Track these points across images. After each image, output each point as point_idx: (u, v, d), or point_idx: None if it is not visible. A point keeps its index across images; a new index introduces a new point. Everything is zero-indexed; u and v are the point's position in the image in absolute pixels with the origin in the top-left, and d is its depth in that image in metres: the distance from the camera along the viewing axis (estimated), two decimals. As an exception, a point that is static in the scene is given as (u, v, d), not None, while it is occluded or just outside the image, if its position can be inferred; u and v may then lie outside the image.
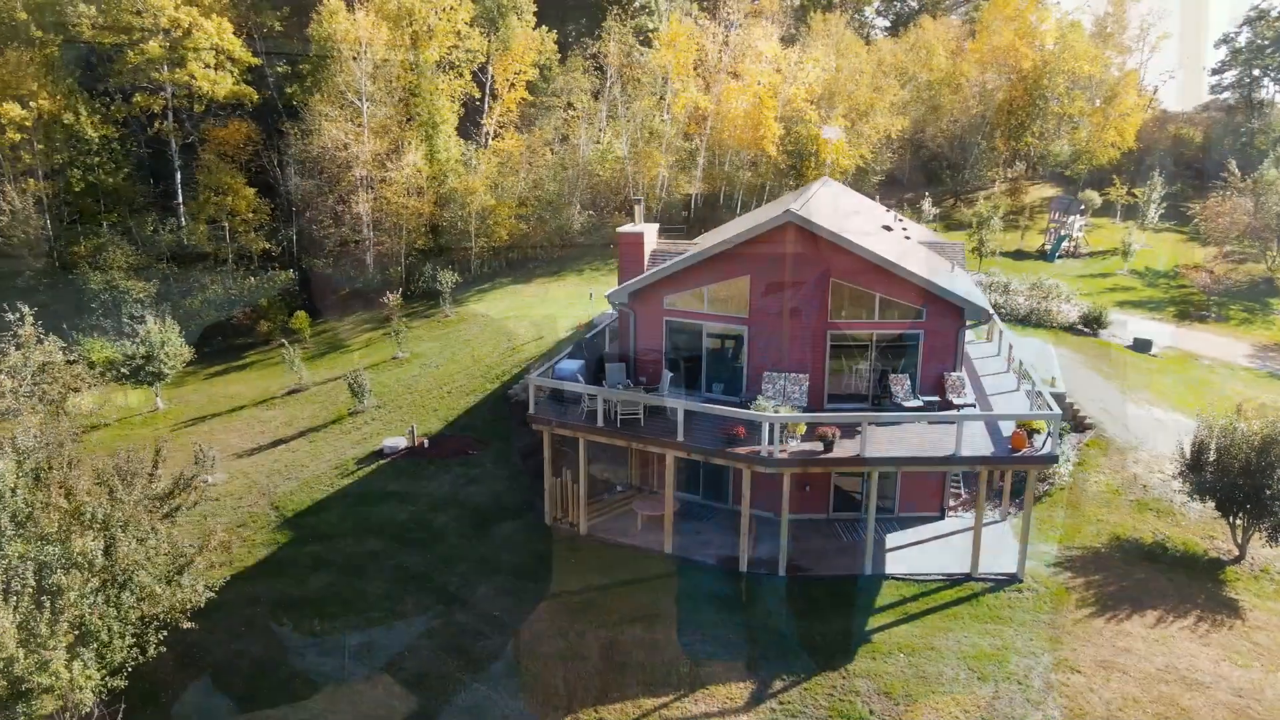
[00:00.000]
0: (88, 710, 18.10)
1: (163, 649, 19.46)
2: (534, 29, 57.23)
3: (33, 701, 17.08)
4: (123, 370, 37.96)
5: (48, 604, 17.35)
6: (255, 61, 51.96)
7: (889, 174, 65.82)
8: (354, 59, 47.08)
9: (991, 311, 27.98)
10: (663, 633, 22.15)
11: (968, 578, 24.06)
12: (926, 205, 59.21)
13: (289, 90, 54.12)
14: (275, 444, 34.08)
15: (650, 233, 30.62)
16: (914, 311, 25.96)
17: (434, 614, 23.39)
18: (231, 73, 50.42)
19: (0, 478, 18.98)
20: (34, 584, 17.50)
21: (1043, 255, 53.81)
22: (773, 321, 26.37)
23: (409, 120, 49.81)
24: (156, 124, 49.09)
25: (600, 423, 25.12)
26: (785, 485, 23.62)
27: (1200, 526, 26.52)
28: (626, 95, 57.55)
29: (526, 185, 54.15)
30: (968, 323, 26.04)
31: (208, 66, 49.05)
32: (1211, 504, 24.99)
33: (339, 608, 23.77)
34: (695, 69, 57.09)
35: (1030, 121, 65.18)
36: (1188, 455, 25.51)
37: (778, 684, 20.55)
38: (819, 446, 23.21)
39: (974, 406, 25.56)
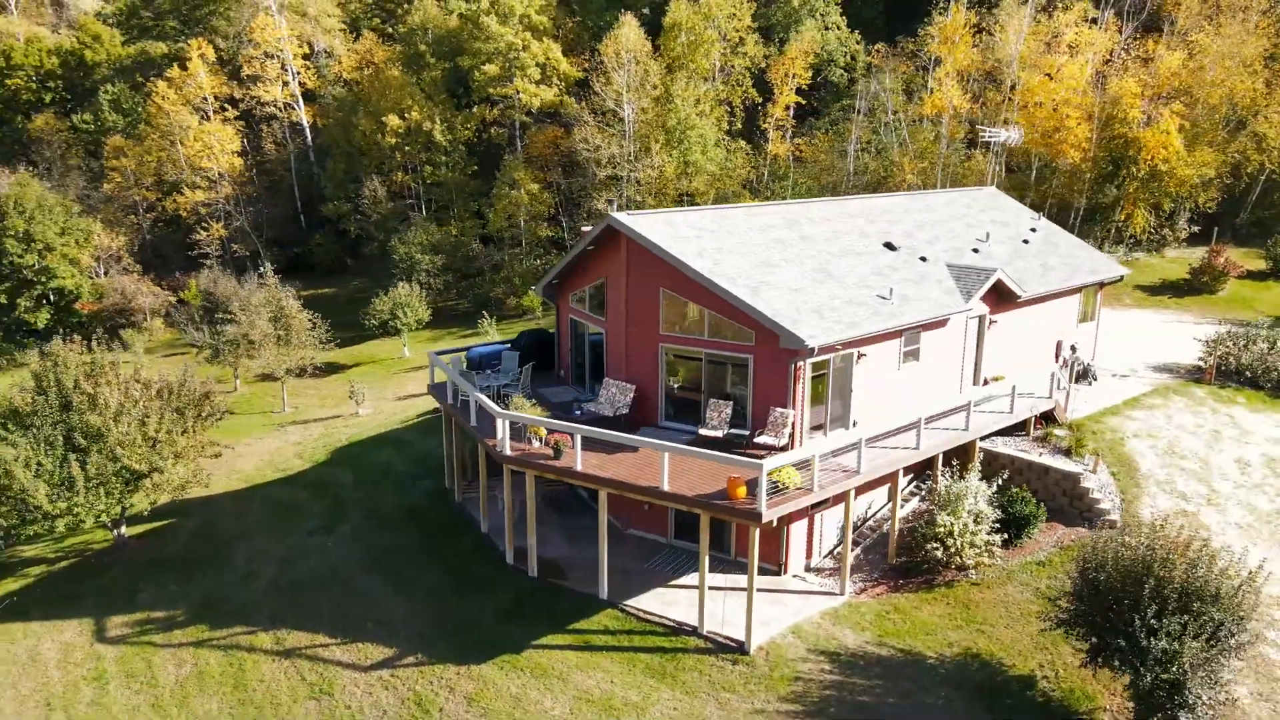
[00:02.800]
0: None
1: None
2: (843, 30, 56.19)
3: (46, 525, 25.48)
4: (374, 323, 49.04)
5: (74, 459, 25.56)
6: (579, 75, 59.94)
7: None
8: (615, 69, 52.16)
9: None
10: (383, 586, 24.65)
11: (694, 632, 21.61)
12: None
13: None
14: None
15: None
16: (746, 335, 23.38)
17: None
18: (557, 86, 59.10)
19: (65, 373, 28.27)
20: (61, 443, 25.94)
21: None
22: (615, 328, 25.83)
23: (662, 125, 53.36)
24: (491, 130, 60.00)
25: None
26: (529, 486, 23.70)
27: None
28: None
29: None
30: (808, 354, 22.51)
31: (534, 81, 58.26)
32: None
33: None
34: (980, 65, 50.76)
35: None
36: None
37: (409, 659, 21.70)
38: (550, 452, 22.92)
39: (786, 449, 22.30)
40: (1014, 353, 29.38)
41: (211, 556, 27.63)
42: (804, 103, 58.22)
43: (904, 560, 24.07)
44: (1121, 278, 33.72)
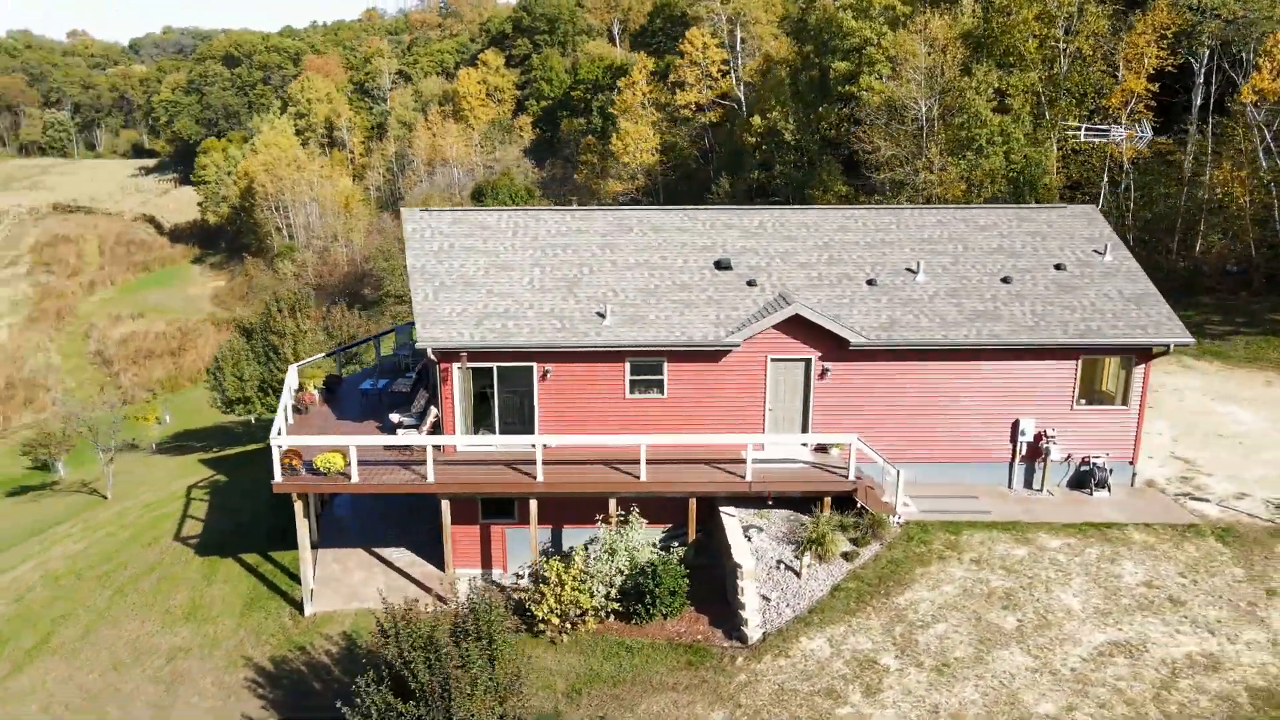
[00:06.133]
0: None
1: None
2: None
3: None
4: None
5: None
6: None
7: None
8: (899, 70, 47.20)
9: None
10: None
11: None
12: None
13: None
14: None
15: None
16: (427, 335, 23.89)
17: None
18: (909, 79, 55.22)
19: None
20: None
21: None
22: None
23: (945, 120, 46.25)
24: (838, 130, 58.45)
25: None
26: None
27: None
28: None
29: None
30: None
31: (884, 77, 55.36)
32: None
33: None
34: None
35: None
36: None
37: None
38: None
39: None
40: (905, 418, 23.07)
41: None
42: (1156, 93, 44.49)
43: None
44: (1169, 348, 22.58)
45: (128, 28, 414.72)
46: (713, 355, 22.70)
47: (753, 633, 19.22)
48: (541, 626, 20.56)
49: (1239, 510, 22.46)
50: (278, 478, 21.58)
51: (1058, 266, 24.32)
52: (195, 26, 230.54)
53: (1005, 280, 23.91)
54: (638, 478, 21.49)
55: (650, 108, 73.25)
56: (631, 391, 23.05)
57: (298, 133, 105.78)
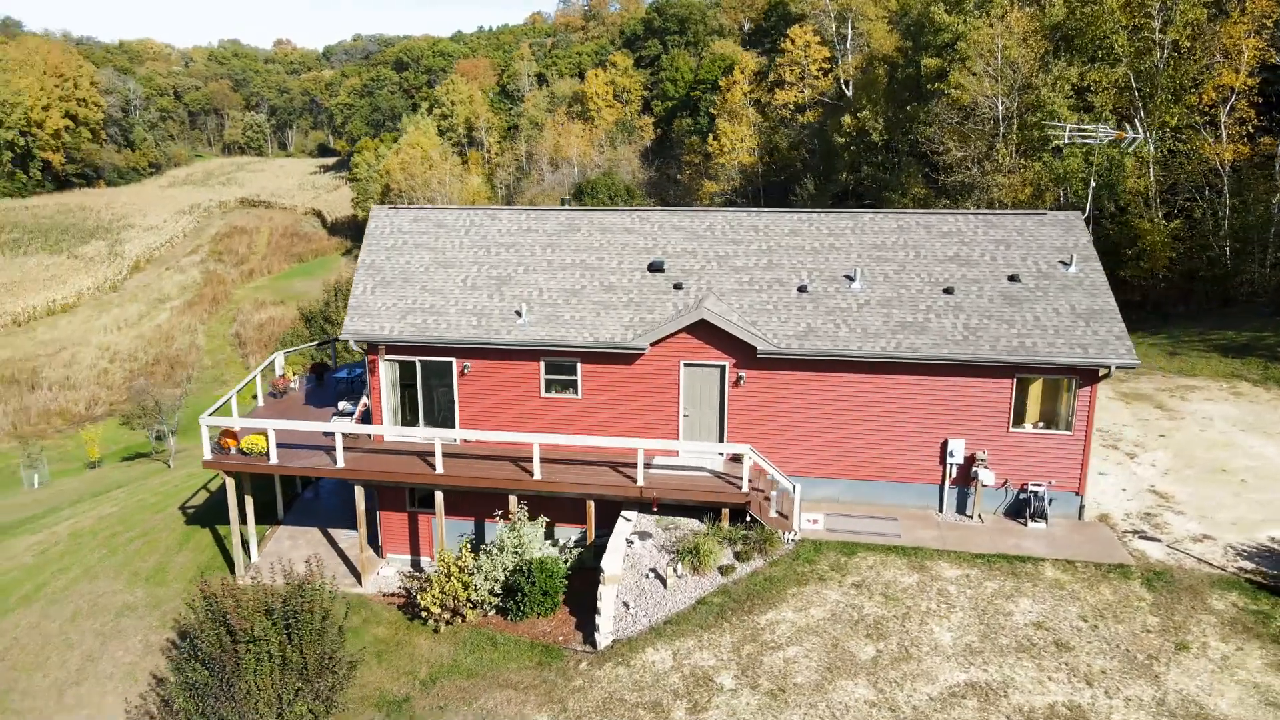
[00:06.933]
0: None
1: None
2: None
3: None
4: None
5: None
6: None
7: None
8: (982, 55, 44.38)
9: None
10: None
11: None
12: None
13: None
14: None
15: None
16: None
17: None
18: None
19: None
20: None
21: None
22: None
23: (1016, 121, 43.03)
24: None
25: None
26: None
27: None
28: None
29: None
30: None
31: (977, 74, 52.54)
32: None
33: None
34: None
35: None
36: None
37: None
38: (286, 392, 28.40)
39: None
40: (825, 432, 22.27)
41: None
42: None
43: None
44: (1108, 371, 20.47)
45: (324, 35, 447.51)
46: (626, 358, 22.57)
47: (603, 639, 19.05)
48: (425, 615, 21.15)
49: (1189, 554, 20.20)
50: (207, 455, 23.20)
51: (1012, 278, 22.58)
52: (381, 34, 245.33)
53: (948, 291, 22.44)
54: (533, 476, 21.71)
55: (750, 108, 72.36)
56: (547, 391, 23.25)
57: (440, 133, 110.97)
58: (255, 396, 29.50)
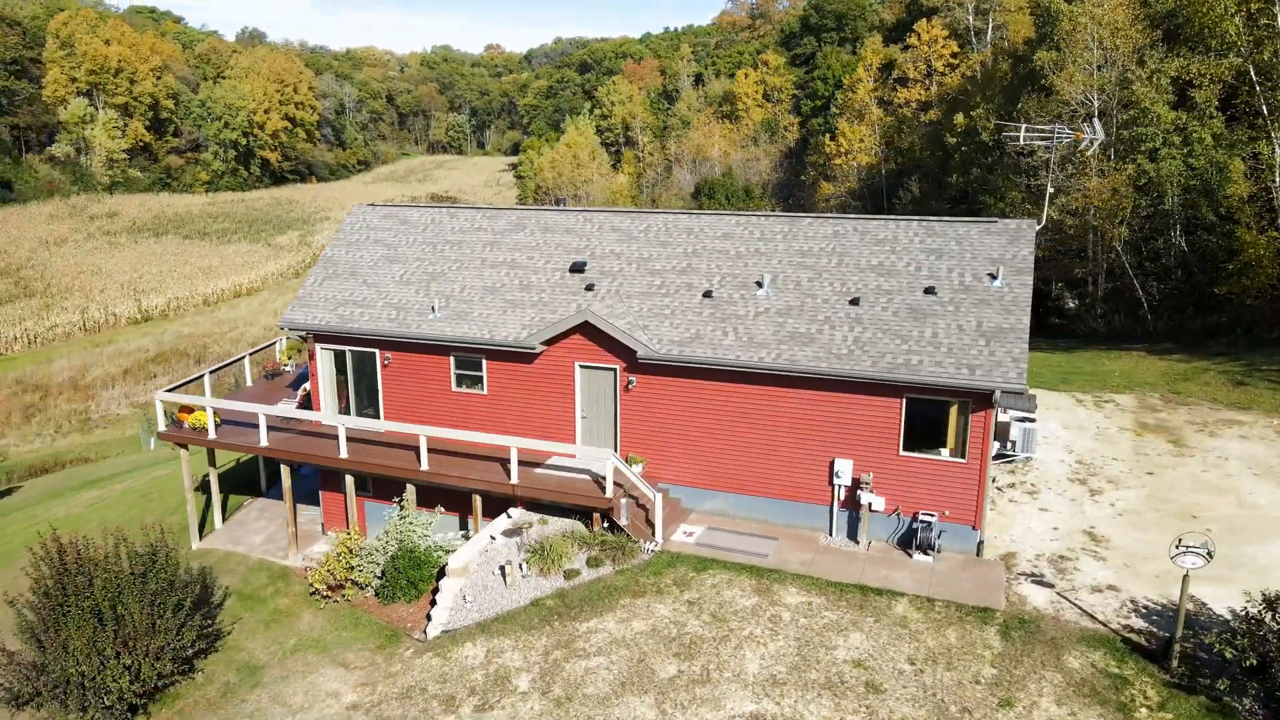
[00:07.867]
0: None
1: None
2: None
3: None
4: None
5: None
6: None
7: None
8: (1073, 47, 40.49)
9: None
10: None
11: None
12: None
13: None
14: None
15: None
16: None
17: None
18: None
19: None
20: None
21: None
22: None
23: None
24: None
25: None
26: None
27: None
28: None
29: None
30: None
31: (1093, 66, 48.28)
32: None
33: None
34: None
35: None
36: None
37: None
38: (280, 375, 30.52)
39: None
40: (710, 443, 21.69)
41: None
42: None
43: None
44: (993, 395, 18.47)
45: (529, 39, 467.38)
46: (525, 357, 22.76)
47: (433, 629, 19.42)
48: (313, 590, 22.32)
49: (1077, 604, 18.06)
50: (161, 427, 25.45)
51: (928, 290, 20.87)
52: (580, 35, 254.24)
53: (854, 302, 21.07)
54: (420, 467, 22.37)
55: (875, 106, 69.48)
56: (458, 385, 23.83)
57: (598, 133, 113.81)
58: (270, 375, 31.86)
